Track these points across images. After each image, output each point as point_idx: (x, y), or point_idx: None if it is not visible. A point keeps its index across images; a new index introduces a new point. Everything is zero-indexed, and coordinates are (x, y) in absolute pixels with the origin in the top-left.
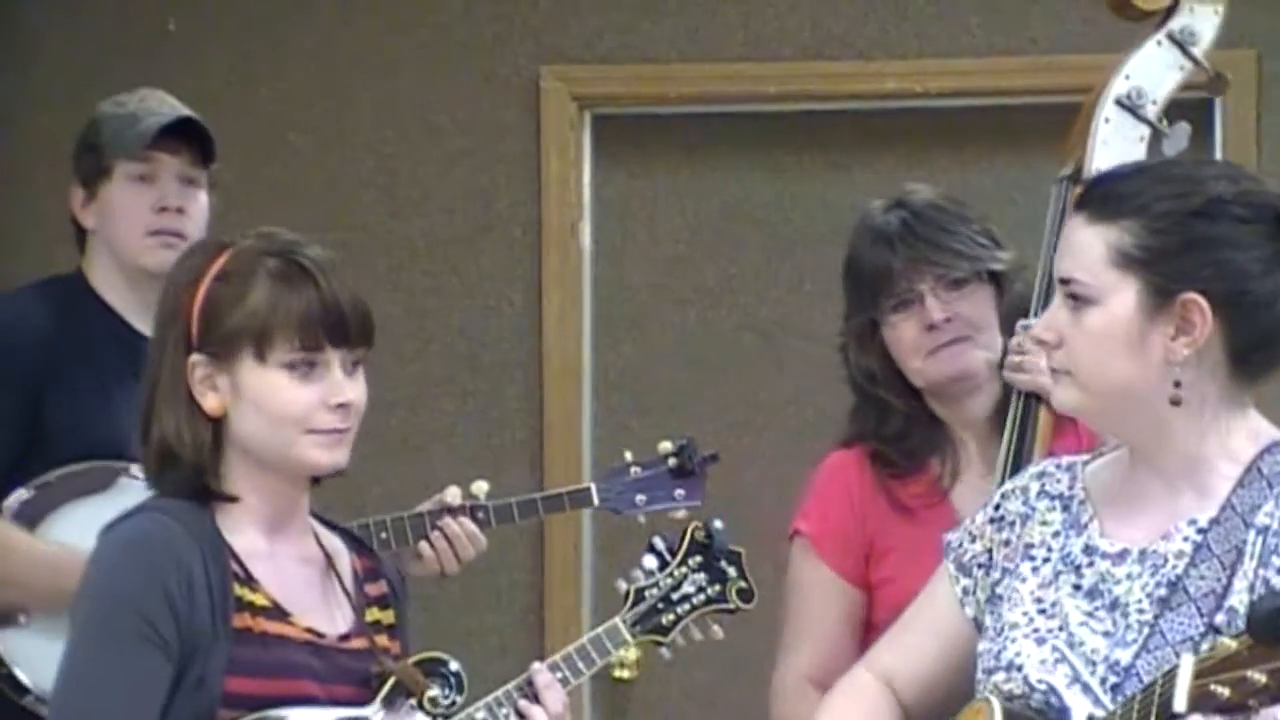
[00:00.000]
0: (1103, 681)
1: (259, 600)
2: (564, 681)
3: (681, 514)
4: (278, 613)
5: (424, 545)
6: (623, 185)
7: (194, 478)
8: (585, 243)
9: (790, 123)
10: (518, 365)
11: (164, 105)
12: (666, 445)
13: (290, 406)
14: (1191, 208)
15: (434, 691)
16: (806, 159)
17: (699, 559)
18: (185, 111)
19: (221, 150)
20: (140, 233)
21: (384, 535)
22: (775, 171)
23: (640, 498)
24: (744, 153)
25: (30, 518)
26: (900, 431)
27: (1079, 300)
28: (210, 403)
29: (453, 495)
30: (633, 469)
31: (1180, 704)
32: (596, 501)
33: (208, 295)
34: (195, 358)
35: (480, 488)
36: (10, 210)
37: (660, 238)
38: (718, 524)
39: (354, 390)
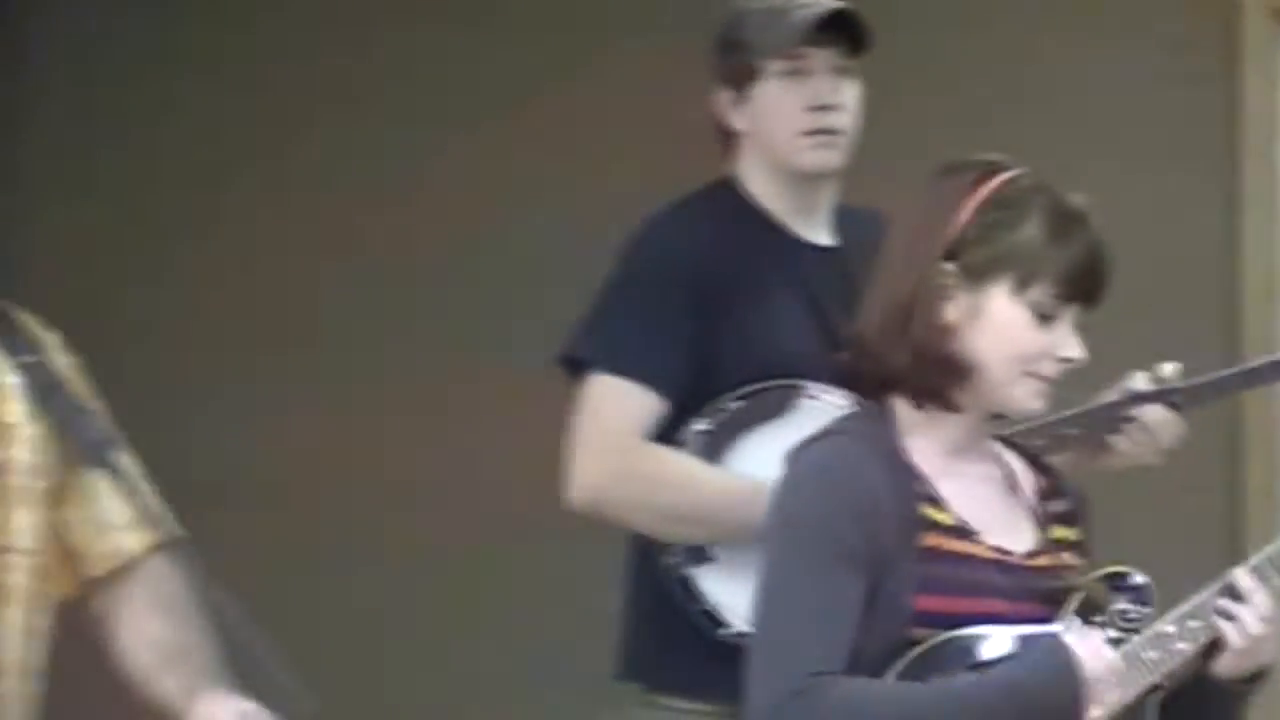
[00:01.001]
0: None
1: (945, 519)
2: (1267, 589)
3: None
4: (964, 531)
5: (1116, 438)
6: None
7: (941, 382)
8: None
9: None
10: (1211, 287)
11: None
12: None
13: (1025, 346)
14: None
15: (1121, 605)
16: None
17: None
18: (834, 3)
19: None
20: (795, 132)
21: (1073, 431)
22: None
23: None
24: None
25: (713, 449)
26: None
27: None
28: (948, 314)
29: (1140, 380)
30: None
31: None
32: None
33: (979, 215)
34: (948, 267)
35: (1169, 370)
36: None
37: None
38: None
39: (1080, 349)
